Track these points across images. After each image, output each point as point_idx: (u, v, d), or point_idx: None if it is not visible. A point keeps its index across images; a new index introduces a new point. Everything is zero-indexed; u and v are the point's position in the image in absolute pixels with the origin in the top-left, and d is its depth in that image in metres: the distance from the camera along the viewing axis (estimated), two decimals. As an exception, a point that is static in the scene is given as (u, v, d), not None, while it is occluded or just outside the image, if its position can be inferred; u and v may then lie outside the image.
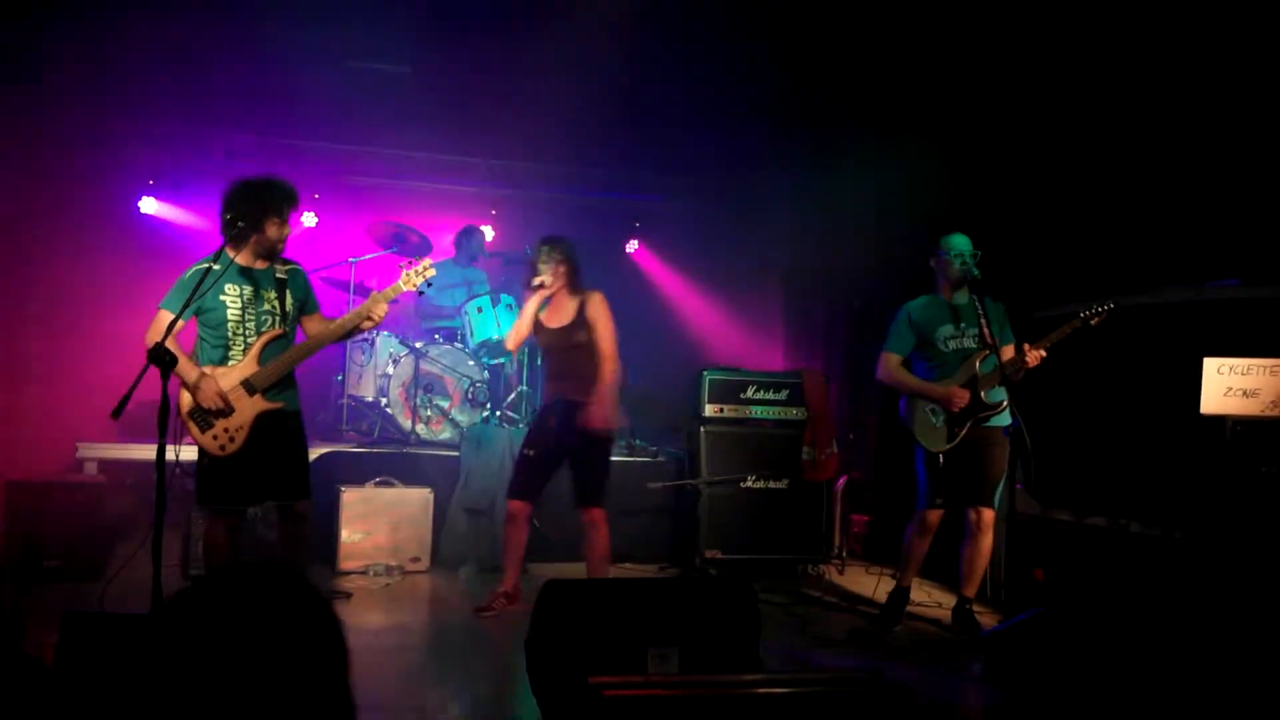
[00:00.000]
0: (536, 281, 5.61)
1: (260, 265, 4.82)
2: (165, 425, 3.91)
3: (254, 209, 4.69)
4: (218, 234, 4.75)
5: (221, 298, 4.68)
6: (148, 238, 8.80)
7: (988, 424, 5.56)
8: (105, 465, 6.90)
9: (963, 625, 5.65)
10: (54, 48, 7.25)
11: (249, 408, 4.69)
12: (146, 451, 4.41)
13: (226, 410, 4.62)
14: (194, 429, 4.62)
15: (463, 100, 8.45)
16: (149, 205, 8.98)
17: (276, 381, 4.75)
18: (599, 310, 5.65)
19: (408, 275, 4.99)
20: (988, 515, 5.61)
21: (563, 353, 5.67)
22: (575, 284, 5.71)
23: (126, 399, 3.86)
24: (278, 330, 4.79)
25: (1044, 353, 5.32)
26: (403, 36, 7.74)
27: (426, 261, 5.07)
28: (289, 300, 4.85)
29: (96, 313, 8.02)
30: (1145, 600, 4.74)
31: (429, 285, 5.07)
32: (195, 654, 1.45)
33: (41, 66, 7.42)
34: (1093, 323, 5.28)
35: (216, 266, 4.66)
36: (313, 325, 4.98)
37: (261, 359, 4.72)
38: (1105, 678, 4.42)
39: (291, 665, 1.46)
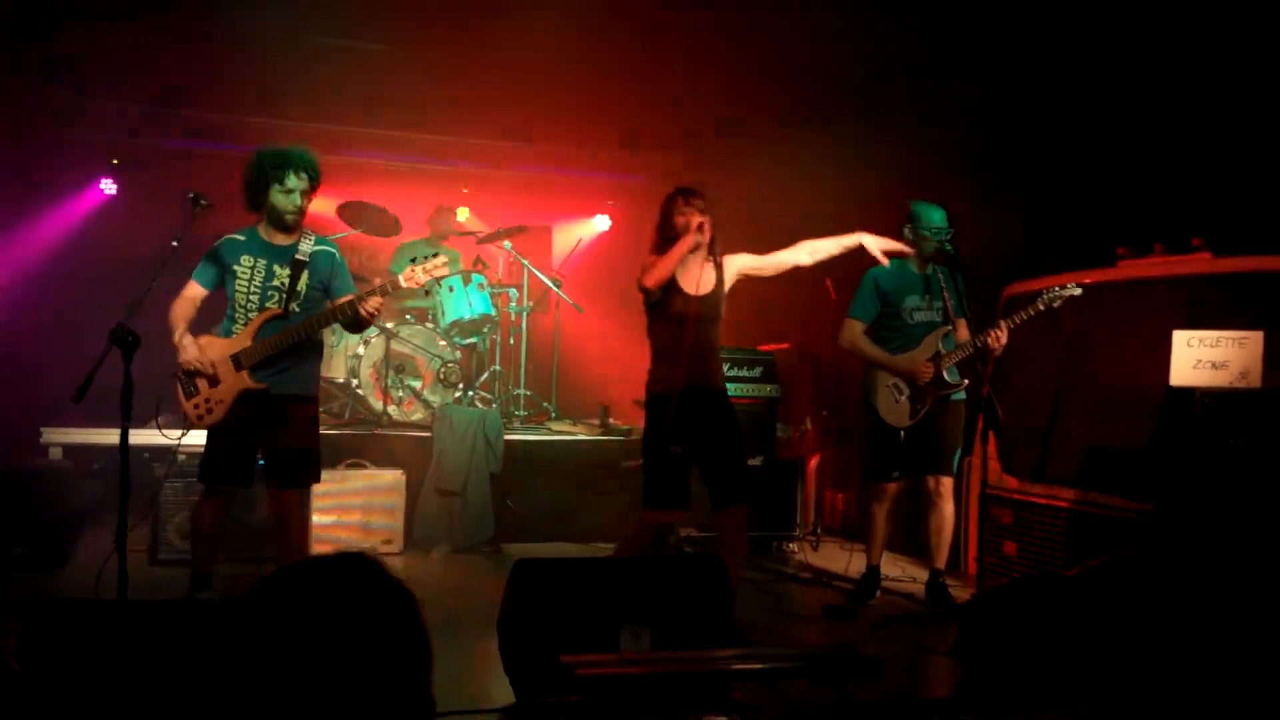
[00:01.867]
0: (699, 222, 4.77)
1: (281, 240, 4.75)
2: (129, 409, 3.86)
3: (255, 180, 4.67)
4: (178, 215, 4.69)
5: (236, 267, 4.69)
6: (109, 218, 8.68)
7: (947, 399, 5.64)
8: (71, 450, 6.81)
9: (936, 599, 5.68)
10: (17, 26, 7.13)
11: (233, 382, 4.66)
12: (113, 436, 4.36)
13: (211, 378, 4.62)
14: (180, 392, 4.66)
15: (435, 78, 8.35)
16: (109, 187, 8.86)
17: (265, 361, 4.66)
18: (745, 258, 5.01)
19: (413, 270, 4.71)
20: (947, 483, 5.68)
21: (705, 326, 4.83)
22: (713, 246, 4.91)
23: (89, 382, 3.81)
24: (276, 309, 4.70)
25: (1004, 335, 5.34)
26: (375, 13, 7.65)
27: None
28: (303, 281, 4.74)
29: (60, 294, 7.90)
30: (1116, 572, 4.76)
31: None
32: (274, 645, 1.41)
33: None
34: (1055, 305, 5.30)
35: (242, 237, 4.73)
36: None
37: (258, 336, 4.67)
38: (1077, 649, 4.44)
39: (370, 659, 1.42)
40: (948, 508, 5.70)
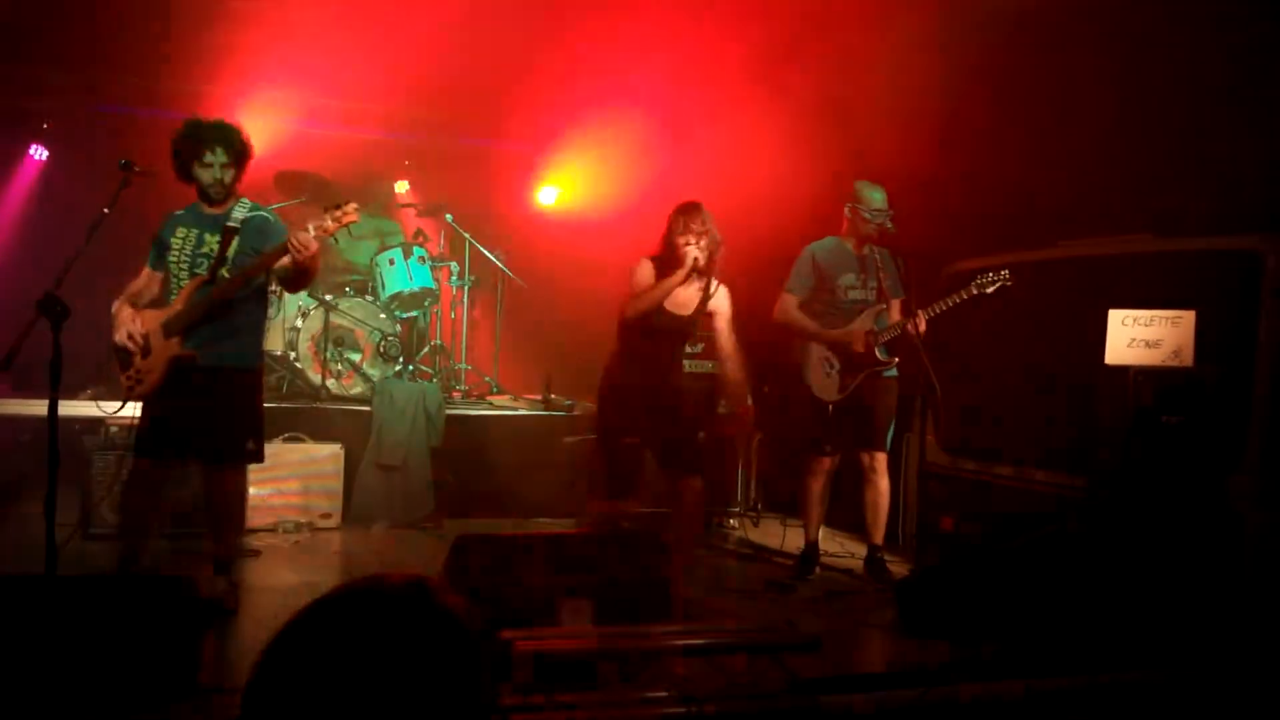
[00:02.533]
0: (693, 258, 4.90)
1: (212, 209, 4.72)
2: (58, 379, 3.76)
3: (178, 155, 4.66)
4: (112, 181, 4.58)
5: (172, 239, 4.67)
6: (40, 184, 8.48)
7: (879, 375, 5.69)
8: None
9: (875, 574, 5.73)
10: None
11: (163, 350, 4.57)
12: (42, 407, 4.22)
13: (144, 348, 4.56)
14: (116, 364, 4.62)
15: (374, 45, 8.22)
16: (40, 153, 8.64)
17: (196, 328, 4.57)
18: (725, 303, 5.17)
19: (322, 219, 4.57)
20: (880, 458, 5.73)
21: (675, 339, 5.13)
22: (709, 269, 5.06)
23: (15, 351, 3.71)
24: (204, 276, 4.61)
25: (923, 324, 5.40)
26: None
27: (352, 205, 4.63)
28: (234, 247, 4.65)
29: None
30: (1051, 547, 4.84)
31: (350, 233, 4.80)
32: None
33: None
34: (988, 291, 5.35)
35: (181, 211, 4.74)
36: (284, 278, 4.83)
37: (189, 303, 4.60)
38: (1012, 623, 4.51)
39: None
40: (883, 483, 5.75)
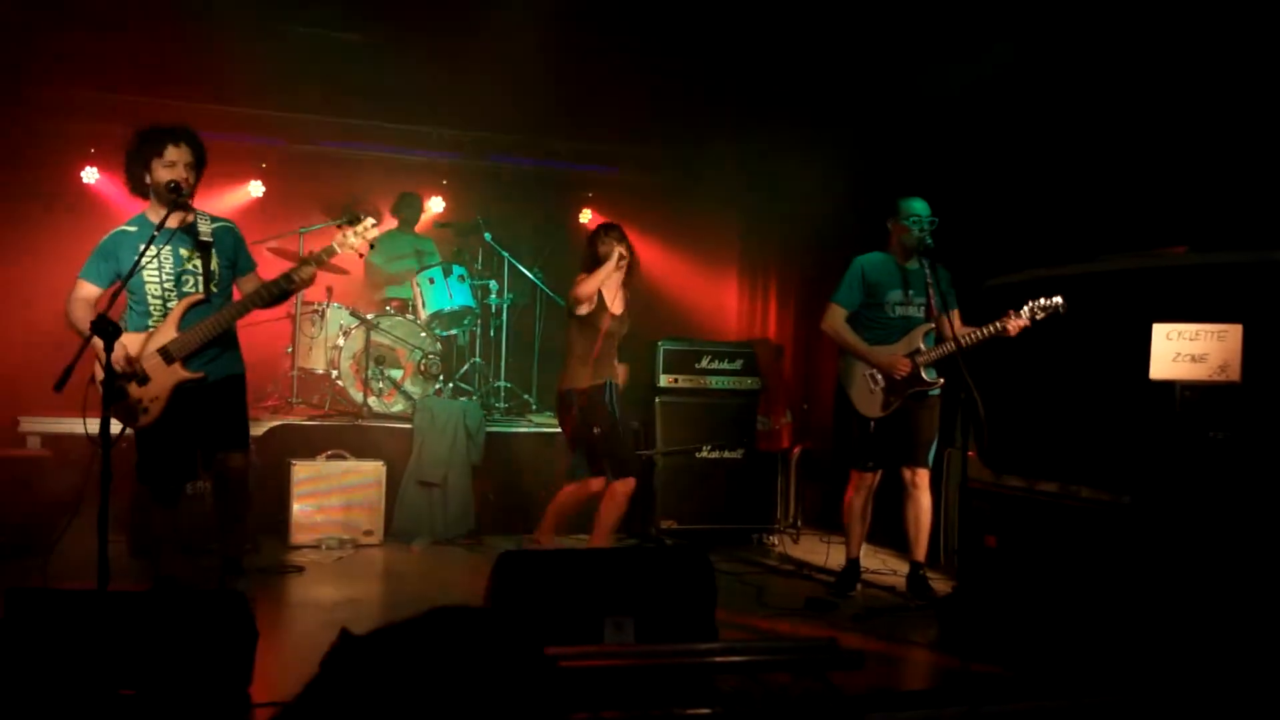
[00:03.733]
0: (619, 252, 5.76)
1: (176, 222, 4.59)
2: (110, 398, 3.82)
3: (135, 158, 4.55)
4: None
5: (140, 257, 4.41)
6: (90, 208, 8.62)
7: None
8: (49, 440, 6.75)
9: (917, 591, 5.70)
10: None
11: (167, 377, 4.52)
12: (91, 425, 4.25)
13: (140, 377, 4.47)
14: (99, 391, 4.44)
15: (413, 68, 8.32)
16: (91, 175, 8.79)
17: (198, 349, 4.54)
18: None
19: (344, 237, 4.60)
20: (922, 474, 5.73)
21: (616, 339, 5.92)
22: (630, 275, 5.93)
23: (69, 371, 3.77)
24: (198, 295, 4.58)
25: (1026, 320, 5.35)
26: (352, 2, 7.65)
27: (369, 221, 4.66)
28: (214, 262, 4.62)
29: (38, 284, 7.83)
30: (1095, 565, 4.79)
31: (372, 247, 4.72)
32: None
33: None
34: (1039, 318, 5.30)
35: (133, 228, 4.58)
36: (249, 286, 4.76)
37: (181, 325, 4.54)
38: (1057, 641, 4.47)
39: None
40: (924, 499, 5.73)
